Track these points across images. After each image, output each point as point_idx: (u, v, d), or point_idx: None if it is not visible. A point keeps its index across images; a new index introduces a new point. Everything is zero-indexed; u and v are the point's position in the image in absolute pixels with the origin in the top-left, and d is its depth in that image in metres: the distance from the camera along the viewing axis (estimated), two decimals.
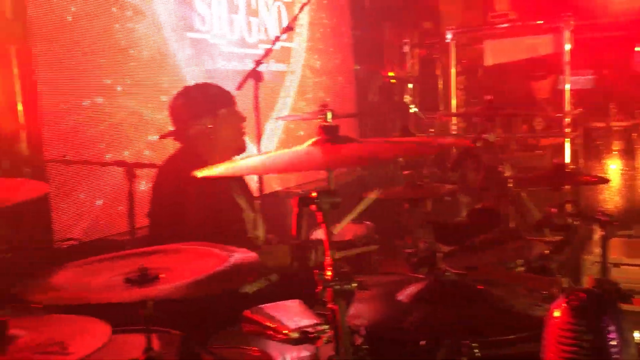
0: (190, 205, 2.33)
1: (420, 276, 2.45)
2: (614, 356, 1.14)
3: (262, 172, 2.24)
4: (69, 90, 3.53)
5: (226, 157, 2.40)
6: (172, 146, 2.79)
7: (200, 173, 1.41)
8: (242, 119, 2.67)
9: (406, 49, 6.56)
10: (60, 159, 3.28)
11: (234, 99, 2.66)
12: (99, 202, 3.65)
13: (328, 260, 1.37)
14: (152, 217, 2.55)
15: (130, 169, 3.20)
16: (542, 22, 5.34)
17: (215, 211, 2.37)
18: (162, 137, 2.76)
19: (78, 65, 3.57)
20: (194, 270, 1.35)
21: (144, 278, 1.32)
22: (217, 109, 2.58)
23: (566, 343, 1.16)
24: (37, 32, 3.36)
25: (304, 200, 1.36)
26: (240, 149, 2.64)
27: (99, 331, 1.38)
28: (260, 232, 2.64)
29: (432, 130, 5.92)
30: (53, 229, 3.40)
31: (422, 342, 1.89)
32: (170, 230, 2.35)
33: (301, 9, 3.58)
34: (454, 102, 5.78)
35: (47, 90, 3.40)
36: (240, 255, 1.42)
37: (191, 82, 4.29)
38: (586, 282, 3.77)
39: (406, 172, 3.14)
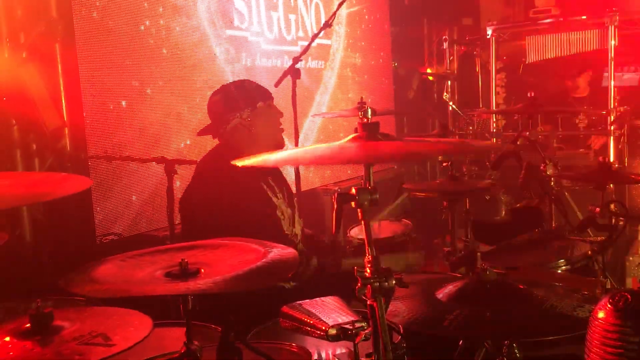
0: (224, 201, 2.37)
1: (459, 275, 2.43)
2: None
3: (298, 163, 2.21)
4: (110, 88, 3.61)
5: (264, 152, 2.40)
6: (210, 144, 2.82)
7: (239, 162, 1.41)
8: (280, 114, 2.68)
9: (445, 45, 6.48)
10: (102, 155, 3.35)
11: (271, 94, 2.67)
12: (139, 198, 3.72)
13: (368, 257, 1.37)
14: (185, 211, 2.57)
15: (170, 166, 3.25)
16: (585, 17, 5.21)
17: (248, 207, 2.39)
18: (200, 133, 2.79)
19: (119, 63, 3.64)
20: (234, 266, 1.36)
21: (185, 272, 1.34)
22: (255, 103, 2.59)
23: (611, 345, 1.13)
24: (80, 31, 3.44)
25: (344, 197, 1.35)
26: (279, 144, 2.65)
27: (140, 324, 1.41)
28: (297, 229, 2.64)
29: (472, 128, 5.84)
30: (95, 224, 3.48)
31: (461, 342, 1.88)
32: (202, 224, 2.39)
33: (339, 5, 3.56)
34: (494, 99, 5.68)
35: (89, 88, 3.48)
36: (279, 251, 1.43)
37: (230, 80, 4.34)
38: (630, 283, 3.68)
39: (445, 164, 3.10)
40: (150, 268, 1.40)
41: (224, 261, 1.42)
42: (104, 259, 1.47)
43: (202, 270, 1.37)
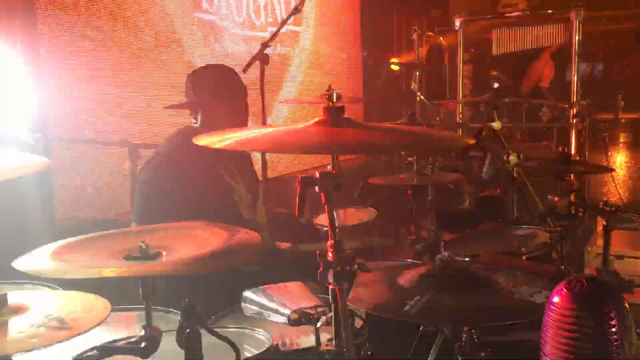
0: (181, 181, 2.41)
1: (423, 262, 2.46)
2: (615, 343, 1.13)
3: (257, 148, 2.24)
4: (73, 70, 3.52)
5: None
6: (174, 127, 2.79)
7: (200, 142, 1.39)
8: (247, 113, 2.70)
9: (414, 36, 6.51)
10: (63, 138, 3.27)
11: (230, 93, 2.67)
12: (102, 183, 3.65)
13: (330, 242, 1.37)
14: (139, 195, 2.56)
15: (134, 150, 3.20)
16: (552, 12, 5.29)
17: (204, 189, 2.44)
18: (169, 107, 2.78)
19: (82, 45, 3.56)
20: (196, 249, 1.34)
21: (145, 255, 1.32)
22: (235, 95, 2.65)
23: (566, 329, 1.16)
24: (41, 10, 3.34)
25: (307, 181, 1.35)
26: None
27: (99, 308, 1.38)
28: (260, 216, 2.64)
29: (439, 118, 5.89)
30: (55, 207, 3.41)
31: (421, 328, 1.91)
32: (158, 202, 2.41)
33: None
34: (460, 91, 5.74)
35: (50, 69, 3.39)
36: (242, 234, 1.42)
37: (198, 64, 4.28)
38: (588, 273, 3.77)
39: (409, 159, 3.13)
40: (110, 250, 1.38)
41: (186, 244, 1.40)
42: (62, 240, 1.44)
43: (164, 253, 1.35)
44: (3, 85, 3.09)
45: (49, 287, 2.05)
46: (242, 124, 2.65)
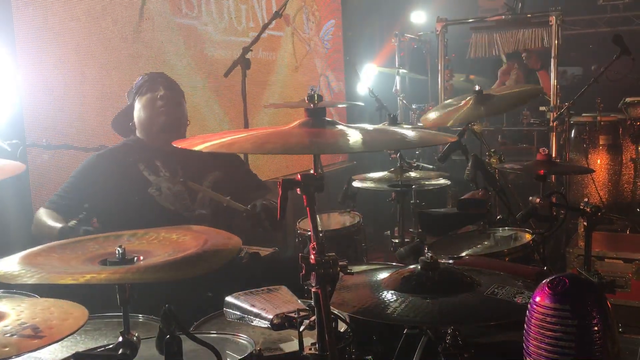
0: (100, 180, 2.71)
1: (406, 265, 2.45)
2: (598, 341, 1.13)
3: (241, 150, 2.34)
4: (49, 75, 3.47)
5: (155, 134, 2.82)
6: None
7: (178, 144, 1.39)
8: (154, 100, 2.84)
9: (395, 40, 6.54)
10: (40, 143, 3.22)
11: (143, 84, 2.88)
12: None
13: (313, 244, 1.35)
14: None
15: None
16: (530, 15, 5.34)
17: (116, 185, 2.69)
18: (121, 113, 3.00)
19: (59, 50, 3.51)
20: (173, 253, 1.32)
21: (122, 260, 1.29)
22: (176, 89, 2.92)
23: (549, 328, 1.15)
24: (18, 17, 3.29)
25: (289, 183, 1.34)
26: (163, 127, 2.82)
27: (76, 315, 1.35)
28: (199, 205, 2.77)
29: (421, 123, 5.90)
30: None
31: (405, 330, 1.89)
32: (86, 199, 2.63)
33: None
34: (442, 94, 5.77)
35: (26, 74, 3.34)
36: (220, 237, 1.40)
37: (178, 69, 4.25)
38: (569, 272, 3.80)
39: (393, 156, 3.12)
40: (86, 255, 1.35)
41: (163, 249, 1.37)
42: (37, 246, 1.41)
43: (141, 258, 1.33)
44: None
45: (26, 295, 2.01)
46: (177, 117, 2.87)
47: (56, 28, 3.49)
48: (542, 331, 1.16)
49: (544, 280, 1.20)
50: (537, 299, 1.19)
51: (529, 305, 1.22)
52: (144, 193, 2.69)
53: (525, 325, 1.22)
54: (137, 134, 2.88)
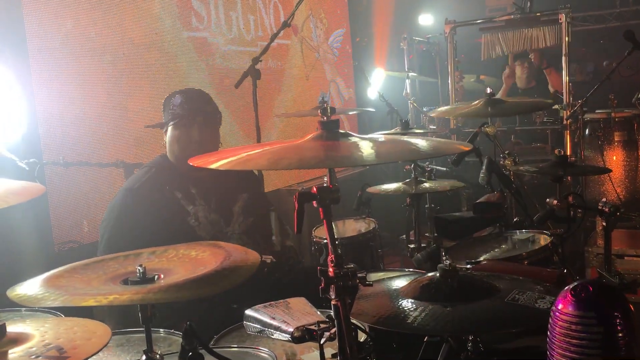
0: (139, 211, 2.53)
1: (424, 271, 2.44)
2: (624, 346, 1.12)
3: (255, 167, 2.28)
4: (66, 92, 3.51)
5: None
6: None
7: (194, 163, 1.38)
8: (210, 132, 2.72)
9: (404, 43, 6.53)
10: (58, 161, 3.25)
11: (181, 114, 2.67)
12: (99, 204, 3.63)
13: (331, 256, 1.35)
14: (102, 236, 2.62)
15: (129, 170, 3.19)
16: (539, 14, 5.31)
17: (157, 216, 2.51)
18: (150, 126, 2.80)
19: (74, 68, 3.55)
20: (193, 270, 1.33)
21: (143, 279, 1.30)
22: (212, 120, 2.71)
23: (574, 336, 1.14)
24: (32, 35, 3.33)
25: (305, 196, 1.34)
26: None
27: (99, 334, 1.36)
28: (235, 229, 2.71)
29: (434, 127, 5.89)
30: (53, 232, 3.39)
31: (425, 338, 1.88)
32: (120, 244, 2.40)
33: (297, 5, 3.55)
34: (453, 97, 5.75)
35: (42, 92, 3.38)
36: (238, 252, 1.40)
37: (191, 82, 4.28)
38: (590, 273, 3.76)
39: (407, 167, 3.11)
40: (107, 275, 1.36)
41: (183, 266, 1.38)
42: (58, 268, 1.42)
43: (161, 275, 1.33)
44: None
45: (51, 314, 2.03)
46: (210, 149, 2.64)
47: (70, 45, 3.53)
48: (567, 339, 1.15)
49: (566, 287, 1.19)
50: (560, 306, 1.18)
51: (551, 313, 1.21)
52: (184, 224, 2.57)
53: (548, 333, 1.21)
54: (168, 154, 2.71)
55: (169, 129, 2.66)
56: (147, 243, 2.32)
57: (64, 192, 3.47)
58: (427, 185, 3.34)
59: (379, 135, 1.84)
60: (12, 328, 1.39)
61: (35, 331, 1.39)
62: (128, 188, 2.64)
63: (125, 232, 2.51)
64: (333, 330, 1.43)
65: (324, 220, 1.36)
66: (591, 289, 1.16)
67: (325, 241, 3.16)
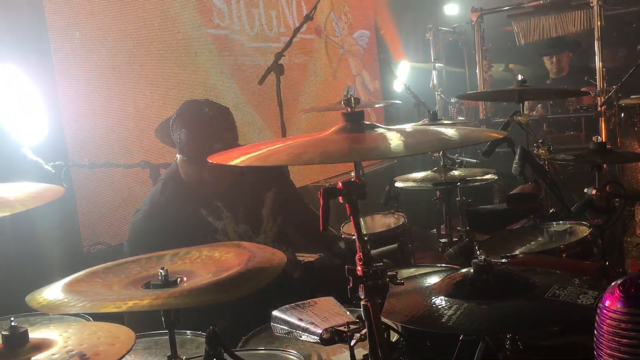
0: (164, 228, 2.40)
1: (457, 267, 2.36)
2: None
3: (283, 162, 2.20)
4: (90, 93, 3.51)
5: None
6: None
7: (213, 160, 1.32)
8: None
9: (430, 34, 6.41)
10: (84, 163, 3.25)
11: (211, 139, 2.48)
12: (126, 205, 3.63)
13: (359, 254, 1.29)
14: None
15: (155, 170, 3.17)
16: None
17: (184, 235, 2.37)
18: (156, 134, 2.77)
19: (99, 67, 3.55)
20: (216, 273, 1.28)
21: (165, 282, 1.26)
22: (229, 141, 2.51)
23: (624, 335, 1.06)
24: (55, 40, 3.33)
25: (330, 192, 1.28)
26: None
27: (122, 339, 1.32)
28: (263, 238, 2.61)
29: (462, 117, 5.77)
30: (81, 234, 3.39)
31: (461, 337, 1.81)
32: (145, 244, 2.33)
33: None
34: (481, 86, 5.62)
35: (67, 94, 3.38)
36: (263, 253, 1.35)
37: (214, 80, 4.25)
38: (629, 264, 3.63)
39: (435, 155, 3.02)
40: (129, 279, 1.32)
41: (206, 268, 1.33)
42: (80, 272, 1.39)
43: (184, 279, 1.29)
44: (21, 114, 3.09)
45: (81, 317, 2.00)
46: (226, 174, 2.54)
47: (93, 47, 3.52)
48: (616, 338, 1.07)
49: (614, 282, 1.11)
50: (607, 302, 1.10)
51: (598, 310, 1.13)
52: (213, 241, 2.38)
53: (595, 332, 1.13)
54: (183, 166, 2.54)
55: (178, 157, 2.50)
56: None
57: (91, 193, 3.47)
58: (456, 173, 3.25)
59: (407, 126, 1.77)
60: (36, 334, 1.36)
61: (59, 337, 1.36)
62: (144, 210, 2.51)
63: (146, 246, 2.35)
64: (364, 331, 1.37)
65: (351, 217, 1.30)
66: None
67: (354, 237, 3.10)
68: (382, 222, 3.53)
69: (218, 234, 2.49)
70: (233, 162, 1.22)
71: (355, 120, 1.35)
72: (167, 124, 2.58)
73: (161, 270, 1.27)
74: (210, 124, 2.46)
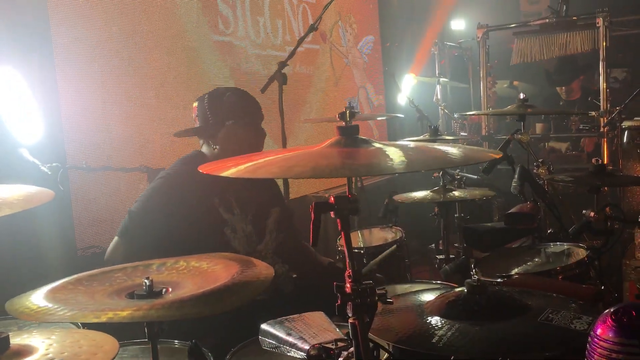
0: (173, 211, 2.37)
1: (453, 284, 2.33)
2: None
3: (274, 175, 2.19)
4: (90, 96, 3.50)
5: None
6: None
7: (204, 170, 1.30)
8: (251, 136, 2.60)
9: (435, 49, 6.41)
10: (81, 166, 3.24)
11: (246, 114, 2.59)
12: (122, 209, 3.60)
13: (348, 271, 1.27)
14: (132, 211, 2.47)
15: (153, 174, 3.15)
16: (576, 18, 5.14)
17: (194, 221, 2.38)
18: (178, 134, 2.73)
19: (98, 70, 3.54)
20: (202, 285, 1.25)
21: (150, 292, 1.23)
22: (224, 121, 2.55)
23: None
24: (57, 39, 3.33)
25: (321, 207, 1.26)
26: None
27: (106, 348, 1.30)
28: (266, 246, 2.58)
29: (464, 133, 5.75)
30: (76, 237, 3.37)
31: (452, 358, 1.78)
32: (143, 224, 2.36)
33: (325, 7, 3.48)
34: (485, 102, 5.60)
35: (67, 96, 3.37)
36: (252, 265, 1.33)
37: (216, 84, 4.24)
38: (627, 287, 3.59)
39: (435, 174, 3.01)
40: (112, 288, 1.30)
41: (193, 280, 1.31)
42: (64, 279, 1.36)
43: (169, 289, 1.26)
44: (19, 115, 3.07)
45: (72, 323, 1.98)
46: (257, 149, 2.57)
47: (95, 50, 3.52)
48: None
49: (606, 310, 1.08)
50: (599, 331, 1.07)
51: (589, 339, 1.10)
52: (220, 234, 2.45)
53: (586, 358, 1.10)
54: (217, 155, 2.54)
55: (225, 128, 2.53)
56: (173, 237, 2.26)
57: (88, 196, 3.45)
58: (456, 193, 3.23)
59: (406, 142, 1.75)
60: (17, 340, 1.34)
61: (41, 343, 1.33)
62: (164, 176, 2.50)
63: (154, 210, 2.38)
64: (351, 349, 1.35)
65: (342, 232, 1.28)
66: (634, 313, 1.04)
67: (355, 251, 3.08)
68: (379, 235, 3.51)
69: (227, 227, 2.47)
70: (224, 173, 1.20)
71: (349, 135, 1.33)
72: (202, 102, 2.59)
73: (146, 280, 1.25)
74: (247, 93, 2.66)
